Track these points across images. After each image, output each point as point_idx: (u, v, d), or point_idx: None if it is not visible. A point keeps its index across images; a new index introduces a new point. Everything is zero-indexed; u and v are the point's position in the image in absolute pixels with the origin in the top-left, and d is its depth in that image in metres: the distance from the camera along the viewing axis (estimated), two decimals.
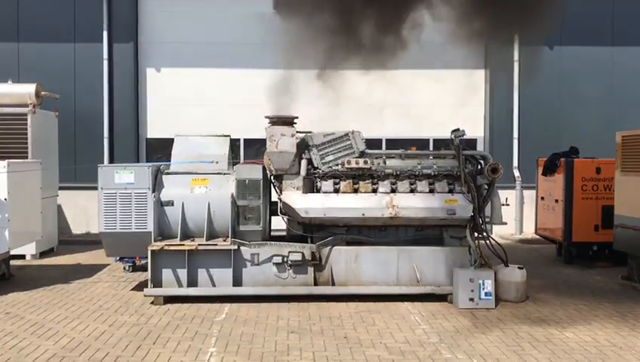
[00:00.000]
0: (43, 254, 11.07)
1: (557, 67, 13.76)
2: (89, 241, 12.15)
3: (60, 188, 12.16)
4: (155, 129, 13.67)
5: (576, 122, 13.56)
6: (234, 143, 13.23)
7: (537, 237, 11.92)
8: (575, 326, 6.84)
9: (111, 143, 13.54)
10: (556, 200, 10.64)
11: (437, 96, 13.72)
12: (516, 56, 13.80)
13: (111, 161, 13.24)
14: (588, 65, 13.76)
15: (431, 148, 13.00)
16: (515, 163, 13.71)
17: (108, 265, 10.07)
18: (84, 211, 12.88)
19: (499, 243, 8.10)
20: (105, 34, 13.34)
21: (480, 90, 14.05)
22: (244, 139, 13.39)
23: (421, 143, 13.54)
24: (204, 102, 13.49)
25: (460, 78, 13.80)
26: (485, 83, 14.06)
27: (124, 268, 9.66)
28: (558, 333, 6.60)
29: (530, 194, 12.97)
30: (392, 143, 13.04)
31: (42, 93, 11.31)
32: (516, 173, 13.65)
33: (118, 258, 9.61)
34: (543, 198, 11.26)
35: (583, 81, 13.72)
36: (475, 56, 13.91)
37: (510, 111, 13.85)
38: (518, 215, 13.50)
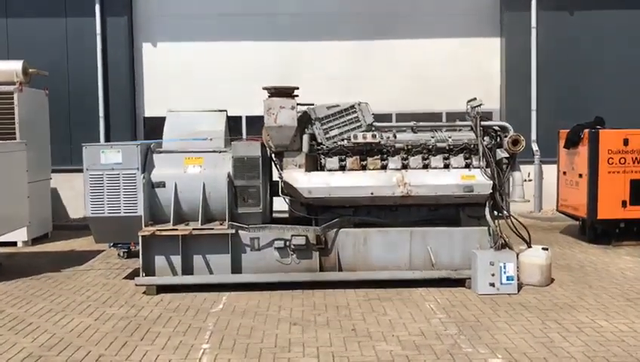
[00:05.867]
0: (36, 241, 10.52)
1: (578, 33, 12.89)
2: (86, 226, 11.50)
3: (55, 171, 11.60)
4: (152, 107, 13.00)
5: (600, 92, 12.73)
6: (236, 121, 12.80)
7: (558, 214, 11.21)
8: (608, 314, 6.17)
9: (107, 123, 12.92)
10: (580, 175, 9.89)
11: (450, 66, 13.02)
12: (534, 23, 12.94)
13: (107, 141, 12.64)
14: (612, 31, 12.87)
15: (444, 121, 12.30)
16: (534, 136, 12.93)
17: (103, 251, 9.50)
18: (81, 194, 12.05)
19: (521, 222, 7.41)
20: (97, 7, 12.64)
21: (495, 60, 13.26)
22: (247, 117, 12.71)
23: (433, 117, 12.92)
24: (204, 79, 12.80)
25: (474, 47, 13.14)
26: (501, 51, 13.26)
27: (119, 255, 9.09)
28: (590, 322, 5.94)
29: (549, 169, 12.23)
30: (403, 118, 12.36)
31: (30, 70, 10.68)
32: (534, 147, 12.90)
33: (112, 243, 9.05)
34: (564, 173, 10.51)
35: (607, 48, 12.85)
36: (490, 24, 13.19)
37: (528, 82, 13.04)
38: (537, 191, 12.77)
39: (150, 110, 13.06)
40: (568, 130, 10.20)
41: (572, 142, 10.08)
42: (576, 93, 12.80)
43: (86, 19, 12.65)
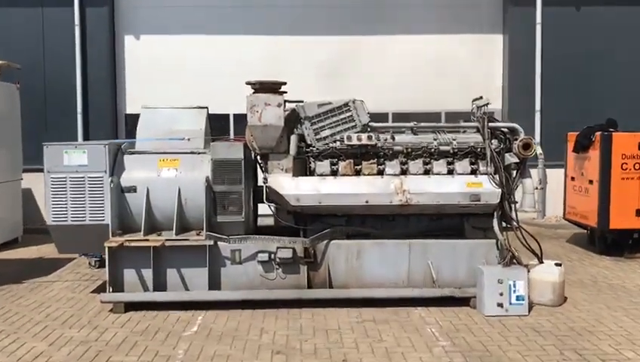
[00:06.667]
0: (4, 246, 9.73)
1: (586, 30, 12.17)
2: None
3: (29, 171, 10.79)
4: (135, 103, 12.13)
5: (611, 92, 12.04)
6: (224, 119, 12.06)
7: (563, 222, 10.53)
8: (634, 343, 5.44)
9: (85, 120, 12.13)
10: (590, 181, 9.19)
11: (449, 64, 12.31)
12: (539, 19, 12.22)
13: (86, 139, 11.85)
14: (621, 28, 12.18)
15: (443, 122, 11.59)
16: (538, 138, 12.19)
17: (74, 259, 8.72)
18: None
19: (531, 234, 6.69)
20: None
21: (497, 58, 12.55)
22: (234, 115, 11.95)
23: (431, 117, 12.22)
24: (189, 74, 12.03)
25: (475, 44, 12.43)
26: (504, 49, 12.56)
27: (90, 264, 8.32)
28: (614, 352, 5.21)
29: (554, 174, 11.51)
30: (399, 118, 11.66)
31: (0, 62, 9.91)
32: (538, 150, 12.10)
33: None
34: (573, 178, 9.80)
35: (618, 46, 12.15)
36: (492, 20, 12.49)
37: (532, 81, 12.32)
38: (541, 197, 12.04)
39: (133, 107, 12.21)
40: (578, 133, 9.50)
41: (582, 146, 9.38)
42: (584, 93, 12.12)
43: (64, 9, 11.85)
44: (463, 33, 12.42)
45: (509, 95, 12.44)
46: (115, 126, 12.28)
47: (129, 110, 12.27)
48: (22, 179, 10.50)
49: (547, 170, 12.06)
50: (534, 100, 12.37)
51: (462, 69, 12.32)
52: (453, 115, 10.96)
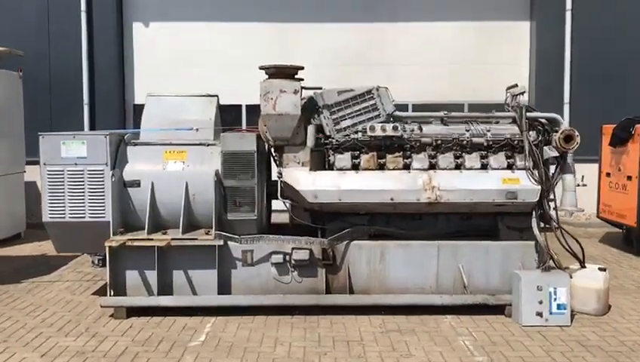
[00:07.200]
0: (5, 242, 9.28)
1: (620, 16, 11.43)
2: None
3: (33, 163, 10.28)
4: (143, 93, 11.45)
5: None
6: (236, 110, 11.53)
7: (593, 220, 9.94)
8: None
9: (92, 110, 11.62)
10: (628, 177, 8.55)
11: (473, 52, 11.67)
12: (569, 5, 11.49)
13: (93, 130, 11.36)
14: None
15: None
16: None
17: (77, 256, 8.23)
18: None
19: (573, 236, 6.07)
20: None
21: (524, 46, 11.84)
22: (247, 105, 11.40)
23: (454, 109, 11.54)
24: (200, 62, 11.48)
25: (500, 32, 11.74)
26: (531, 37, 11.86)
27: (93, 262, 7.73)
28: None
29: (584, 169, 10.81)
30: (420, 109, 11.02)
31: (1, 48, 9.40)
32: None
33: None
34: (608, 174, 9.15)
35: None
36: (519, 5, 11.80)
37: (560, 71, 11.61)
38: None
39: (141, 97, 11.48)
40: (615, 125, 8.84)
41: (619, 139, 8.73)
42: (619, 83, 11.36)
43: None
44: (487, 20, 11.78)
45: (536, 85, 11.76)
46: (123, 117, 11.81)
47: (137, 100, 11.75)
48: (24, 171, 10.02)
49: (577, 165, 11.39)
50: (563, 91, 11.68)
51: (486, 58, 11.69)
52: (477, 107, 10.32)
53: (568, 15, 11.56)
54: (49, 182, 5.96)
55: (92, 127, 11.53)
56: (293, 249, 5.90)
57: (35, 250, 8.97)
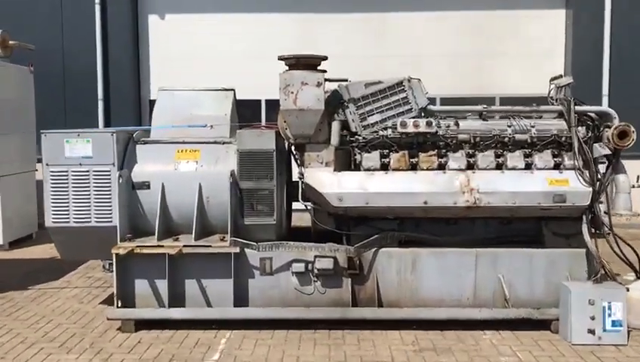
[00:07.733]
0: (16, 243, 8.92)
1: None
2: None
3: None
4: None
5: None
6: (255, 106, 11.06)
7: (635, 221, 9.31)
8: None
9: (107, 106, 11.32)
10: None
11: (505, 43, 11.08)
12: None
13: (107, 127, 10.98)
14: None
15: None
16: None
17: (87, 260, 7.81)
18: None
19: (627, 243, 5.47)
20: None
21: (559, 36, 11.23)
22: (266, 100, 10.93)
23: (485, 102, 10.95)
24: (218, 56, 11.08)
25: (534, 21, 11.16)
26: (566, 26, 11.21)
27: (104, 267, 7.28)
28: None
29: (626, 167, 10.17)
30: (449, 103, 10.44)
31: (10, 42, 9.03)
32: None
33: None
34: None
35: None
36: None
37: (599, 62, 11.00)
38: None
39: (157, 92, 11.31)
40: None
41: None
42: None
43: None
44: (520, 8, 11.25)
45: (571, 77, 11.08)
46: (139, 113, 11.46)
47: (153, 96, 11.33)
48: (36, 170, 9.64)
49: (626, 162, 10.77)
50: (601, 83, 11.05)
51: (519, 49, 11.13)
52: (510, 100, 9.71)
53: (608, 3, 10.91)
54: (52, 183, 5.52)
55: (107, 124, 11.20)
56: (315, 257, 5.38)
57: (45, 252, 8.56)
